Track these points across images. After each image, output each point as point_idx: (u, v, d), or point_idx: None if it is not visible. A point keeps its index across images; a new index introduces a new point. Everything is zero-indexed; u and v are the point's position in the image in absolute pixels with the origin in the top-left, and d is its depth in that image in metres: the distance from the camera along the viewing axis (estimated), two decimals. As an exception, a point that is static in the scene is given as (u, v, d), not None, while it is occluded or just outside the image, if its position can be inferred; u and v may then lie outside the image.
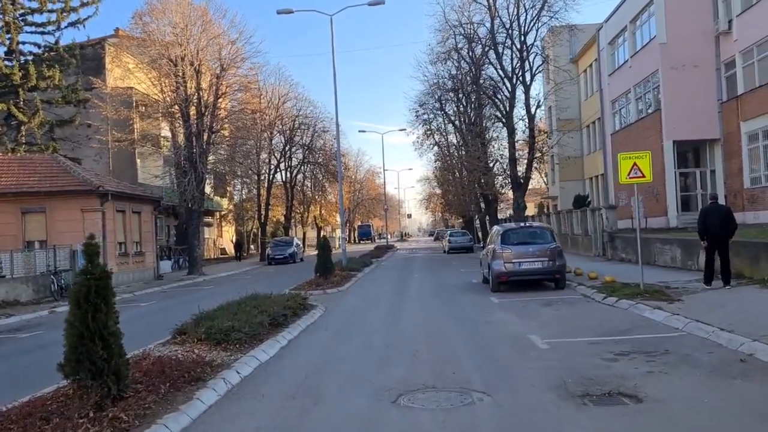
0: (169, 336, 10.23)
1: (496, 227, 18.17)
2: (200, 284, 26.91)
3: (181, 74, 30.78)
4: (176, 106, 31.98)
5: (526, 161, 31.71)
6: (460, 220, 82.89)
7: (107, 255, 25.19)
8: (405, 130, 51.10)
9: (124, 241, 27.19)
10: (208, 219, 53.66)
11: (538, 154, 30.68)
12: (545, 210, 53.14)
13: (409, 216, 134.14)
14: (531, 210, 63.90)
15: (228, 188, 56.11)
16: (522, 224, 17.91)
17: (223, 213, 56.89)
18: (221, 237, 59.54)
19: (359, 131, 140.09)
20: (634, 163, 13.62)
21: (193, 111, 31.87)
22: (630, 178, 13.78)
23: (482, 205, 47.15)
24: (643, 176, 13.67)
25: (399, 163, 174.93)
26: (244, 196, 56.60)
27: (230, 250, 59.06)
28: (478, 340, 9.83)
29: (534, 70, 29.92)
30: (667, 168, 30.24)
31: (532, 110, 30.08)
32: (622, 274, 16.71)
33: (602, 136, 42.88)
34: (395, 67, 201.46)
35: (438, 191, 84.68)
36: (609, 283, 15.39)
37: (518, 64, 30.58)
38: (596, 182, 45.28)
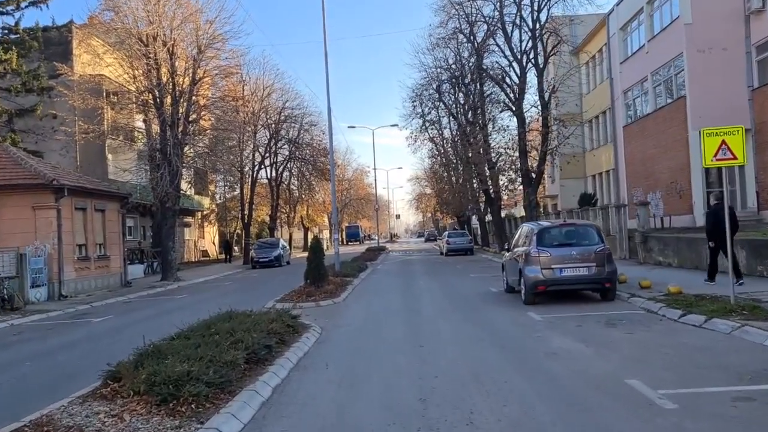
0: (99, 382, 6.98)
1: (527, 225, 15.01)
2: (173, 292, 23.53)
3: (152, 56, 27.36)
4: (148, 93, 28.55)
5: (536, 153, 28.58)
6: (452, 221, 79.98)
7: (63, 259, 21.79)
8: (397, 125, 48.29)
9: (85, 243, 23.70)
10: (188, 219, 50.21)
11: (553, 144, 27.45)
12: (543, 209, 50.21)
13: (398, 217, 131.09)
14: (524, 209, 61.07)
15: (210, 187, 52.68)
16: (562, 221, 14.76)
17: (205, 213, 53.35)
18: (203, 238, 56.03)
19: (349, 126, 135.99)
20: (723, 141, 10.48)
21: (167, 98, 28.49)
22: (716, 160, 10.62)
23: (481, 203, 44.25)
24: (735, 158, 10.52)
25: (388, 163, 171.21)
26: (227, 195, 53.19)
27: (212, 252, 55.68)
28: (555, 389, 6.64)
29: (548, 51, 26.76)
30: (693, 162, 27.41)
31: (546, 96, 26.92)
32: (675, 281, 13.70)
33: (608, 131, 40.06)
34: (386, 66, 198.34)
35: (428, 191, 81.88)
36: (675, 294, 12.32)
37: (529, 45, 27.48)
38: (601, 179, 42.49)
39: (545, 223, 14.44)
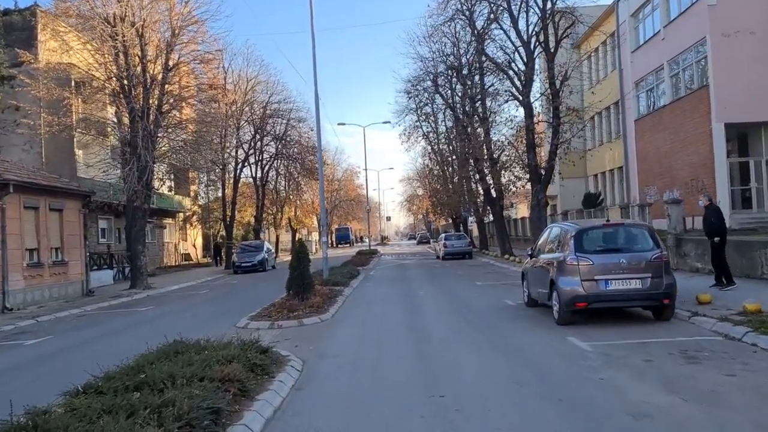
0: None
1: (558, 226, 12.23)
2: (138, 303, 20.60)
3: (120, 38, 24.48)
4: (115, 80, 25.65)
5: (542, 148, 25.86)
6: (446, 222, 77.16)
7: (9, 266, 18.85)
8: (389, 122, 45.86)
9: (37, 247, 20.75)
10: (168, 220, 47.19)
11: (566, 136, 24.71)
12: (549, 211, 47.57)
13: (389, 219, 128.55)
14: (524, 211, 58.39)
15: (192, 187, 49.68)
16: (605, 220, 11.95)
17: (187, 214, 50.23)
18: (185, 241, 52.94)
19: (338, 124, 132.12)
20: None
21: (137, 86, 25.62)
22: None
23: (479, 203, 41.61)
24: None
25: (378, 165, 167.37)
26: (210, 195, 50.17)
27: (195, 255, 52.66)
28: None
29: (560, 34, 24.06)
30: (717, 156, 25.01)
31: (557, 84, 24.23)
32: (732, 294, 11.11)
33: (613, 126, 37.68)
34: (378, 66, 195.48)
35: (420, 192, 79.17)
36: (755, 313, 9.65)
37: (538, 28, 24.79)
38: (604, 178, 40.04)
39: (584, 223, 11.68)
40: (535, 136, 25.56)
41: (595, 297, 10.34)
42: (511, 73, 26.09)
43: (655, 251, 10.53)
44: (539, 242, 12.97)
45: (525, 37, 25.23)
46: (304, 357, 9.03)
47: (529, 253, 13.14)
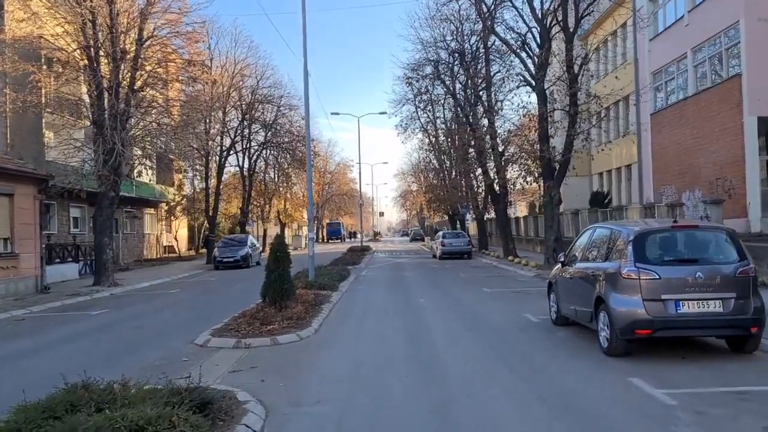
0: None
1: (608, 227, 9.53)
2: (94, 305, 17.80)
3: (87, 3, 21.75)
4: (82, 52, 22.94)
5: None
6: (440, 219, 74.59)
7: (-59, 259, 16.14)
8: (386, 113, 43.41)
9: (-20, 237, 18.11)
10: (150, 210, 44.45)
11: (584, 126, 22.23)
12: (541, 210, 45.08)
13: (381, 214, 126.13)
14: (523, 210, 55.90)
15: (177, 176, 46.91)
16: (672, 221, 9.19)
17: (171, 204, 47.39)
18: (169, 232, 50.16)
19: (332, 113, 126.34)
20: None
21: (105, 59, 22.95)
22: None
23: (480, 200, 39.21)
24: None
25: (373, 158, 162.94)
26: (195, 185, 47.42)
27: (178, 248, 49.97)
28: None
29: (581, 11, 21.50)
30: (748, 153, 22.77)
31: (575, 68, 21.71)
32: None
33: (621, 122, 35.37)
34: (374, 58, 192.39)
35: (414, 188, 76.61)
36: None
37: (556, 5, 22.25)
38: (610, 177, 37.75)
39: (644, 225, 9.06)
40: (551, 125, 22.96)
41: (662, 323, 7.78)
42: (523, 55, 23.53)
43: (741, 263, 7.96)
44: (575, 246, 10.41)
45: (540, 15, 22.67)
46: (270, 402, 6.43)
47: (561, 260, 10.57)
